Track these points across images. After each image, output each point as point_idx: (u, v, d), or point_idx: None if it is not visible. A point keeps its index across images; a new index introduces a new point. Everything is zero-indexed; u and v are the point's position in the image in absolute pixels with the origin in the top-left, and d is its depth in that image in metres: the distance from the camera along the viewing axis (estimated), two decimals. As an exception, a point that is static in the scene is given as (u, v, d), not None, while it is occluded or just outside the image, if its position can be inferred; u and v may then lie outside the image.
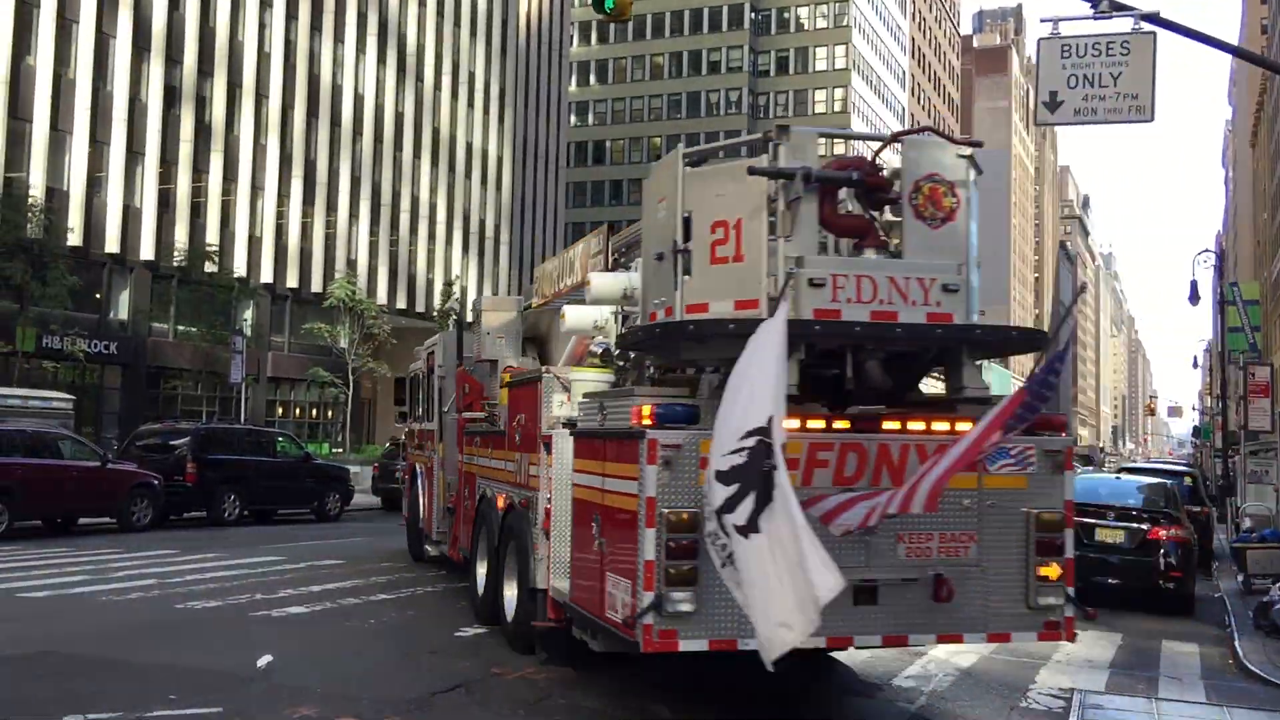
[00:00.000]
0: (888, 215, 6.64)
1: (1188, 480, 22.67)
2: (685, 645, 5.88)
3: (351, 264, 52.90)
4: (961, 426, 6.21)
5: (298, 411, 51.61)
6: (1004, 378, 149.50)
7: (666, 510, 5.76)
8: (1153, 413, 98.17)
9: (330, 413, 52.61)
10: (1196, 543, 16.17)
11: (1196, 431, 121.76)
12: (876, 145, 6.83)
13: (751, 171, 5.95)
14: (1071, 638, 6.81)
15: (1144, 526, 14.95)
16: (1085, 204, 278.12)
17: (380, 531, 23.78)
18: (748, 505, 4.27)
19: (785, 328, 4.68)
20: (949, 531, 6.32)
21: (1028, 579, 6.58)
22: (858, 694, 9.12)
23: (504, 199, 65.24)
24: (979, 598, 6.44)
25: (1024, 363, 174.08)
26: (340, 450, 47.36)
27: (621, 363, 7.86)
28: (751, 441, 4.26)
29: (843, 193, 6.43)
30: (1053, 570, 6.58)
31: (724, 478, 4.37)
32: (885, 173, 6.59)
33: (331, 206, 52.62)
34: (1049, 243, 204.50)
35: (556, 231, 71.61)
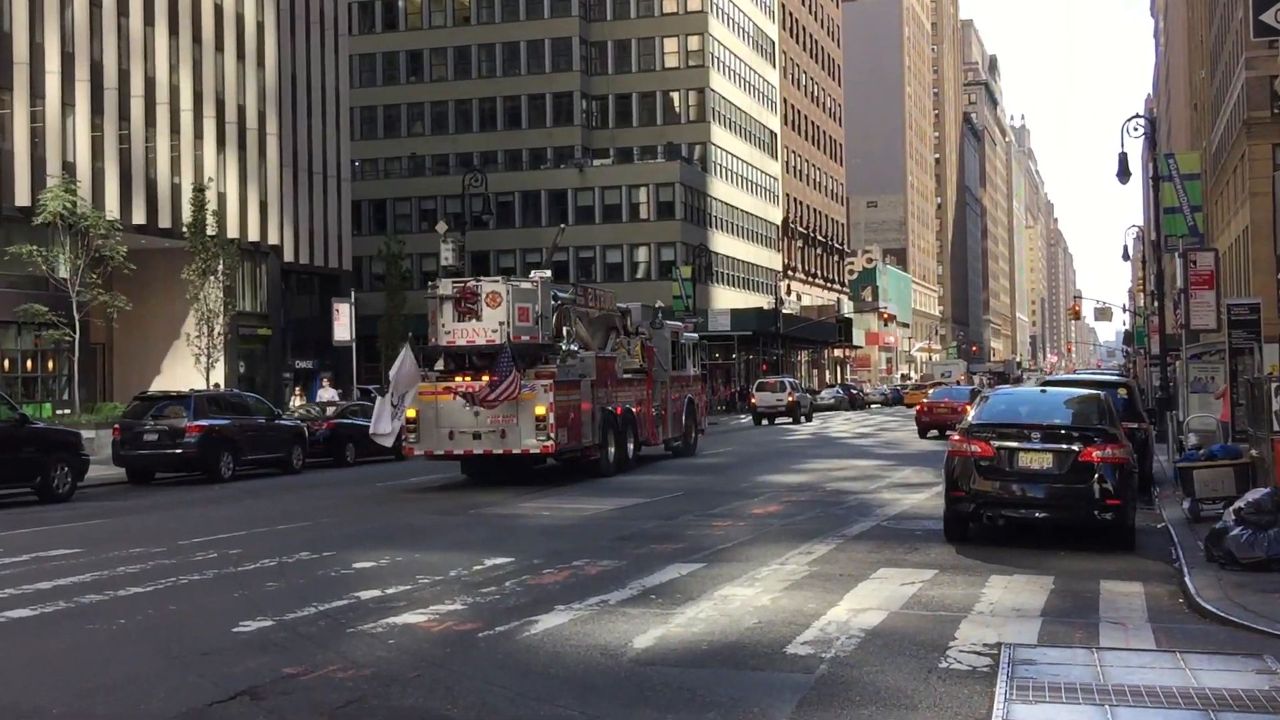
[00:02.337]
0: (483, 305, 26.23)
1: (1123, 392, 23.57)
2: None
3: (68, 167, 50.62)
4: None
5: (7, 364, 49.52)
6: (905, 280, 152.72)
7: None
8: (1077, 316, 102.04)
9: (52, 363, 50.62)
10: (1136, 464, 16.88)
11: (1128, 337, 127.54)
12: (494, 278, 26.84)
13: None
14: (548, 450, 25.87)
15: (1074, 448, 15.49)
16: (992, 66, 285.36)
17: (128, 510, 23.10)
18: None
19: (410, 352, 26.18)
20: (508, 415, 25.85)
21: (534, 426, 25.60)
22: (743, 667, 9.27)
23: (268, 78, 63.22)
24: (519, 440, 25.68)
25: (926, 271, 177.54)
26: (68, 411, 45.66)
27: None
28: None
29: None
30: (546, 418, 25.45)
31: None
32: (476, 288, 26.30)
33: (37, 93, 50.13)
34: (950, 114, 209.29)
35: (339, 119, 69.95)
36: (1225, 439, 21.26)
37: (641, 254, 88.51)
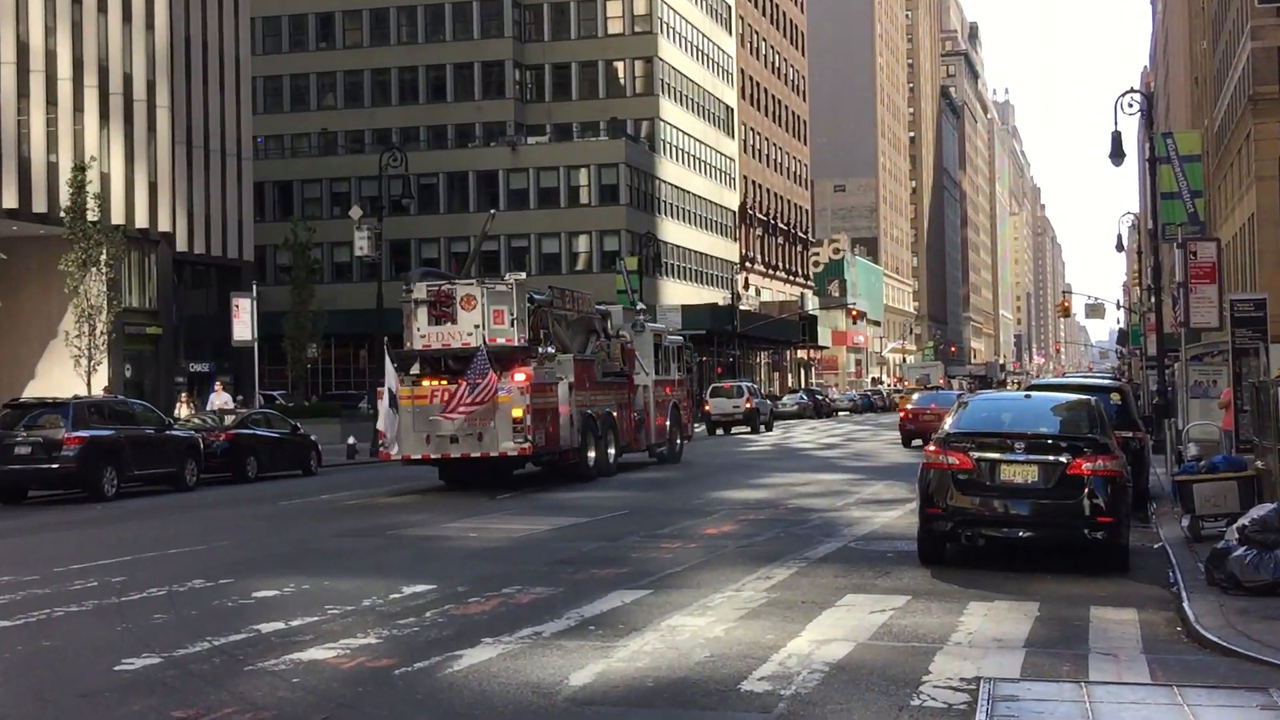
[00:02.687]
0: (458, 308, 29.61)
1: (1116, 397, 23.80)
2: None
3: (-71, 144, 49.94)
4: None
5: None
6: (876, 273, 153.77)
7: None
8: (1066, 313, 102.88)
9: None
10: (1130, 477, 17.06)
11: (1123, 336, 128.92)
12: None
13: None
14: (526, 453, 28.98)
15: (1062, 459, 15.63)
16: (972, 35, 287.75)
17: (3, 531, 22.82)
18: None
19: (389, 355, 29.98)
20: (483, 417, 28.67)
21: (511, 429, 28.49)
22: (693, 706, 9.28)
23: (158, 42, 62.66)
24: (496, 443, 28.62)
25: (900, 262, 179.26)
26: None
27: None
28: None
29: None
30: (523, 421, 28.38)
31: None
32: (451, 291, 29.73)
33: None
34: (926, 88, 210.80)
35: (240, 90, 69.46)
36: (1229, 449, 21.49)
37: (582, 243, 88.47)
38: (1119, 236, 74.89)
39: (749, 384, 71.11)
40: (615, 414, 33.69)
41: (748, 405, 63.80)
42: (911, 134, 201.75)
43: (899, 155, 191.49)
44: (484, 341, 28.57)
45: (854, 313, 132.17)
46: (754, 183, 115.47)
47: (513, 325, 29.21)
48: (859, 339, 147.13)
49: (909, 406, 50.05)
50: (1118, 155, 37.13)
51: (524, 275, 30.44)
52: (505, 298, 29.33)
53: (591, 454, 31.92)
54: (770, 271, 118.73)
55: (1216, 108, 72.42)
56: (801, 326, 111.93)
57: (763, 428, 64.55)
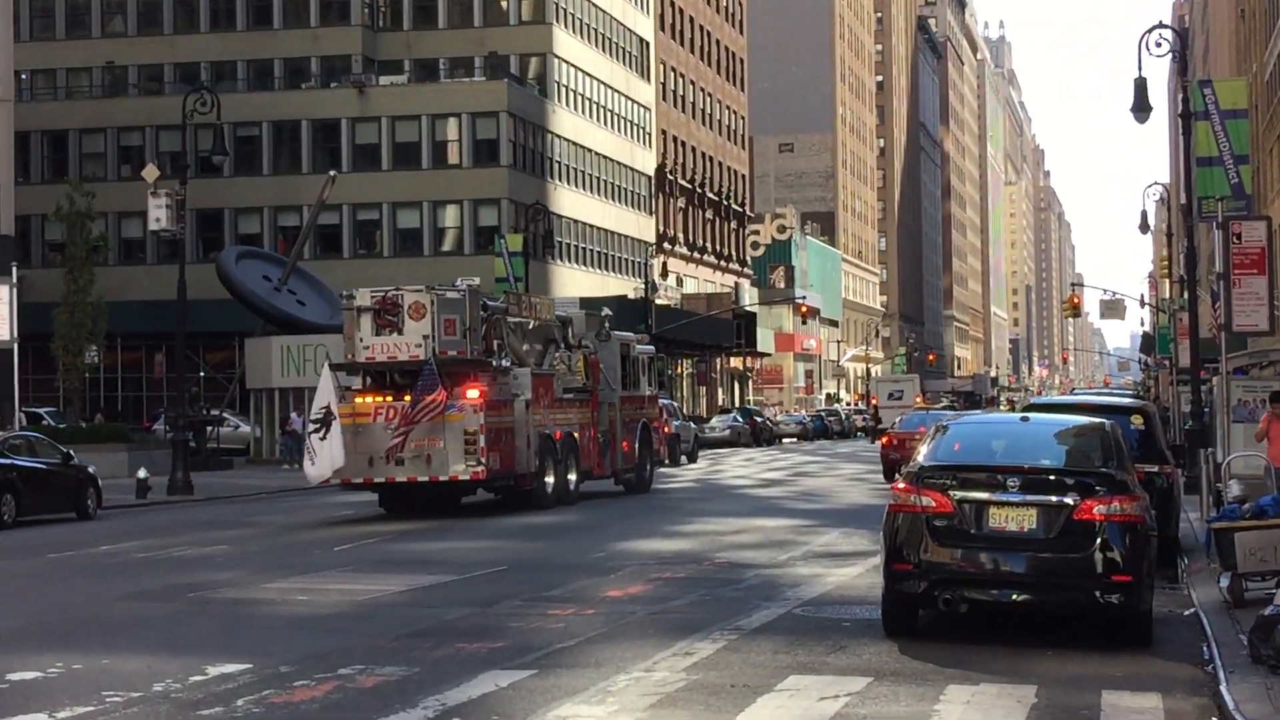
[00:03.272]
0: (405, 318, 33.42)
1: (1138, 421, 24.02)
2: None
3: None
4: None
5: None
6: (833, 258, 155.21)
7: None
8: (1076, 312, 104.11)
9: None
10: (1155, 524, 17.21)
11: (1148, 342, 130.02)
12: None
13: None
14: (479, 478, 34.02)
15: (1068, 500, 15.71)
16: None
17: None
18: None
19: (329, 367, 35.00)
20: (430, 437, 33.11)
21: (463, 450, 32.96)
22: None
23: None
24: (446, 465, 33.10)
25: (863, 245, 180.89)
26: None
27: None
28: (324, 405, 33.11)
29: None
30: (475, 441, 32.62)
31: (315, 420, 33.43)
32: (397, 298, 33.78)
33: None
34: (899, 20, 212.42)
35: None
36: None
37: (450, 215, 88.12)
38: (1143, 214, 75.96)
39: (667, 402, 71.15)
40: (577, 435, 37.71)
41: (665, 431, 63.75)
42: (879, 78, 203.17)
43: (863, 106, 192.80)
44: (433, 354, 32.57)
45: (804, 309, 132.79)
46: (675, 139, 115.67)
47: (465, 336, 33.47)
48: (810, 344, 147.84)
49: (892, 431, 50.65)
50: (1143, 108, 37.52)
51: (477, 280, 35.02)
52: (457, 305, 33.52)
53: (550, 479, 35.99)
54: (696, 255, 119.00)
55: (1268, 50, 73.46)
56: (736, 327, 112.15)
57: (684, 459, 64.57)
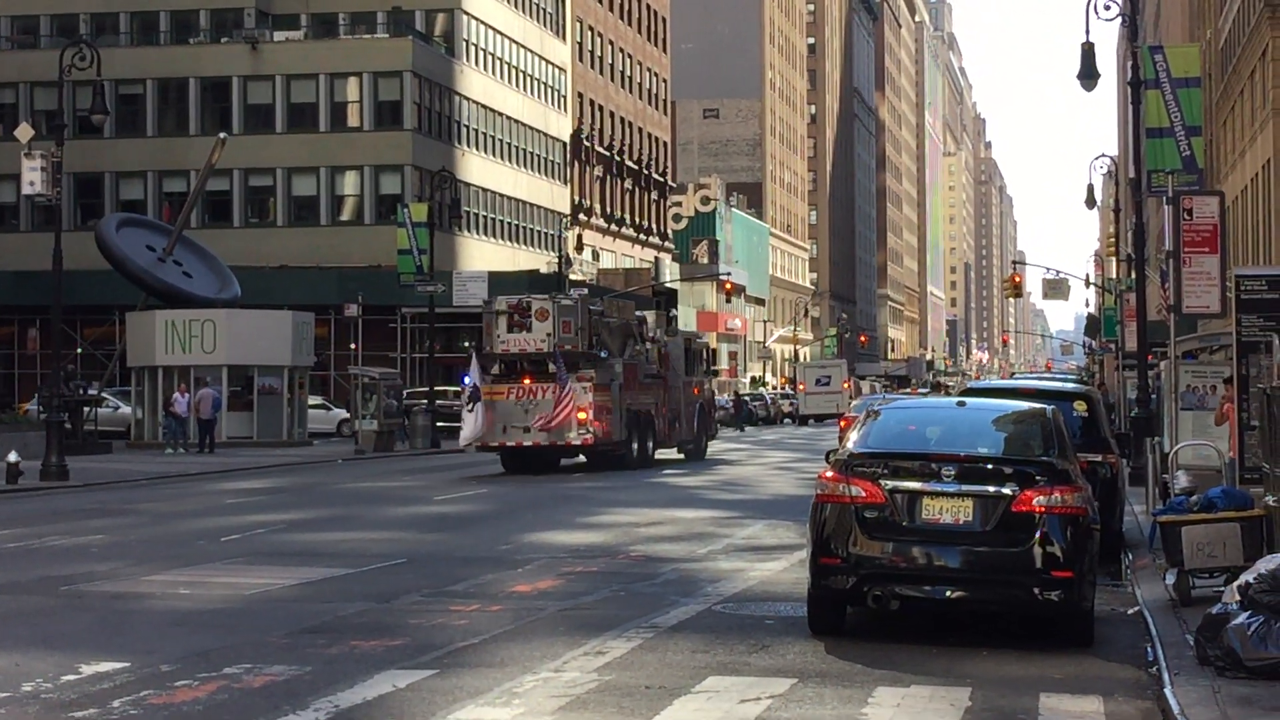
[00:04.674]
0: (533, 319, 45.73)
1: (1081, 407, 24.18)
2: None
3: None
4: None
5: None
6: (760, 232, 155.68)
7: None
8: (1018, 292, 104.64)
9: None
10: (1098, 517, 17.31)
11: (1092, 324, 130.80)
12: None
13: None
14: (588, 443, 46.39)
15: (1006, 491, 15.79)
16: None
17: None
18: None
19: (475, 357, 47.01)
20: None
21: (575, 422, 45.81)
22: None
23: None
24: (562, 433, 45.78)
25: (793, 218, 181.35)
26: None
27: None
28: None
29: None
30: (586, 415, 45.46)
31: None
32: (527, 303, 46.27)
33: None
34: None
35: None
36: (1231, 480, 21.93)
37: (349, 183, 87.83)
38: (1089, 188, 76.54)
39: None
40: (653, 411, 50.65)
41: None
42: (811, 40, 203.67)
43: (793, 70, 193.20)
44: (555, 348, 44.76)
45: (728, 286, 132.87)
46: (593, 103, 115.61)
47: (578, 334, 45.70)
48: (735, 323, 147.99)
49: (850, 413, 51.48)
50: (1090, 76, 37.75)
51: (587, 290, 49.79)
52: (572, 310, 46.03)
53: (635, 446, 48.73)
54: (614, 227, 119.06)
55: (1222, 15, 73.99)
56: (656, 304, 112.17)
57: (599, 445, 64.65)
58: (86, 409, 60.17)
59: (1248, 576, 14.55)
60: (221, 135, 68.56)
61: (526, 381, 45.34)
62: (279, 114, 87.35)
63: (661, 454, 52.14)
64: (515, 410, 45.18)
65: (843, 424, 53.42)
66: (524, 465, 46.93)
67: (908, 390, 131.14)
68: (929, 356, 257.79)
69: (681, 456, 54.20)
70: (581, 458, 49.07)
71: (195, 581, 21.32)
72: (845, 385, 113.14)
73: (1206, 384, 29.72)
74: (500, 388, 45.56)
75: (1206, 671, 13.93)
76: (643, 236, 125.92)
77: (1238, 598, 14.31)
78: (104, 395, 66.08)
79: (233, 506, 34.62)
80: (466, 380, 47.07)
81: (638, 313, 53.31)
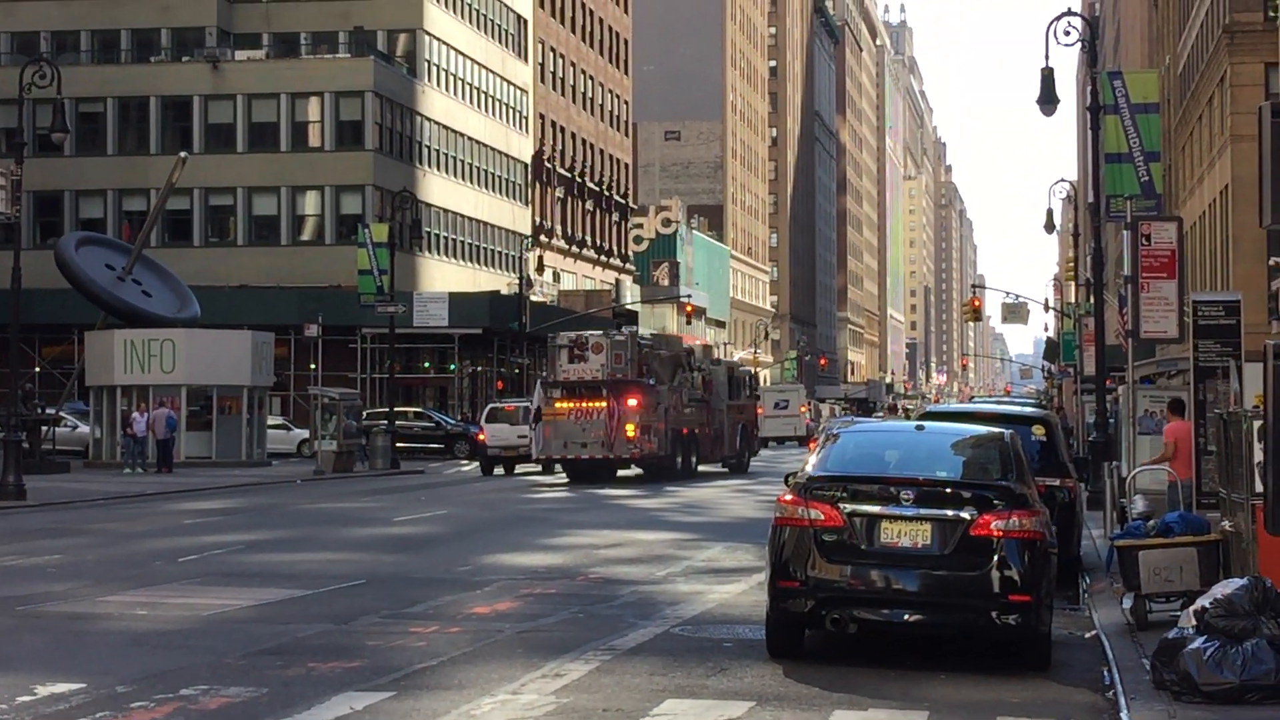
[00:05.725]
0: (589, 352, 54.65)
1: (1039, 431, 24.28)
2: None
3: None
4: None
5: None
6: (721, 255, 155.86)
7: None
8: (977, 316, 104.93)
9: None
10: (1055, 541, 17.38)
11: (1051, 349, 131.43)
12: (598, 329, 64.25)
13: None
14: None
15: (965, 515, 15.87)
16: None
17: None
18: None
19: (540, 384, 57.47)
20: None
21: (626, 439, 54.46)
22: None
23: None
24: (614, 449, 54.49)
25: (754, 241, 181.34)
26: None
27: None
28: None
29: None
30: (636, 433, 53.78)
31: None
32: (585, 339, 56.12)
33: None
34: (794, 6, 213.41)
35: None
36: (1189, 505, 22.04)
37: (310, 203, 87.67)
38: (1049, 213, 76.71)
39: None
40: (697, 431, 58.90)
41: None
42: (773, 63, 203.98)
43: (755, 93, 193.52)
44: (608, 376, 53.35)
45: (689, 308, 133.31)
46: (554, 125, 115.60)
47: (628, 365, 53.91)
48: (695, 345, 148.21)
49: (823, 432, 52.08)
50: (1049, 100, 37.89)
51: (636, 328, 57.58)
52: (623, 345, 54.69)
53: (680, 460, 56.91)
54: (575, 249, 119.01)
55: (1181, 41, 74.38)
56: (616, 326, 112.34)
57: (558, 467, 64.48)
58: (45, 428, 59.99)
59: (1204, 601, 14.64)
60: (182, 154, 68.37)
61: (584, 404, 53.24)
62: (240, 133, 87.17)
63: (706, 468, 59.61)
64: (574, 429, 53.28)
65: (812, 444, 53.95)
66: (584, 476, 54.64)
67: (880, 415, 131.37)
68: (889, 379, 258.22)
69: (725, 470, 61.89)
70: (636, 469, 56.64)
71: (152, 602, 21.23)
72: (803, 409, 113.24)
73: (1163, 409, 29.87)
74: (562, 409, 53.58)
75: (1162, 696, 14.00)
76: (604, 258, 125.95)
77: (1194, 622, 14.40)
78: (62, 414, 65.85)
79: (191, 527, 34.52)
80: (531, 403, 55.84)
81: (686, 346, 63.81)
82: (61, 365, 74.47)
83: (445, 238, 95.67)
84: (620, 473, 56.20)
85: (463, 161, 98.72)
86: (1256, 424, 17.02)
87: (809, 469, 16.94)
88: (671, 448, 55.87)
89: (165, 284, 67.86)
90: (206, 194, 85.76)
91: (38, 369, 74.91)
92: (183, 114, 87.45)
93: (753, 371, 75.31)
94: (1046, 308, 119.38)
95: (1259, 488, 16.67)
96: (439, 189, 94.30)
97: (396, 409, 69.28)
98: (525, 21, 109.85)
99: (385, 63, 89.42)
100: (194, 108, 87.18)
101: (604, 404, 53.12)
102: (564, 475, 62.30)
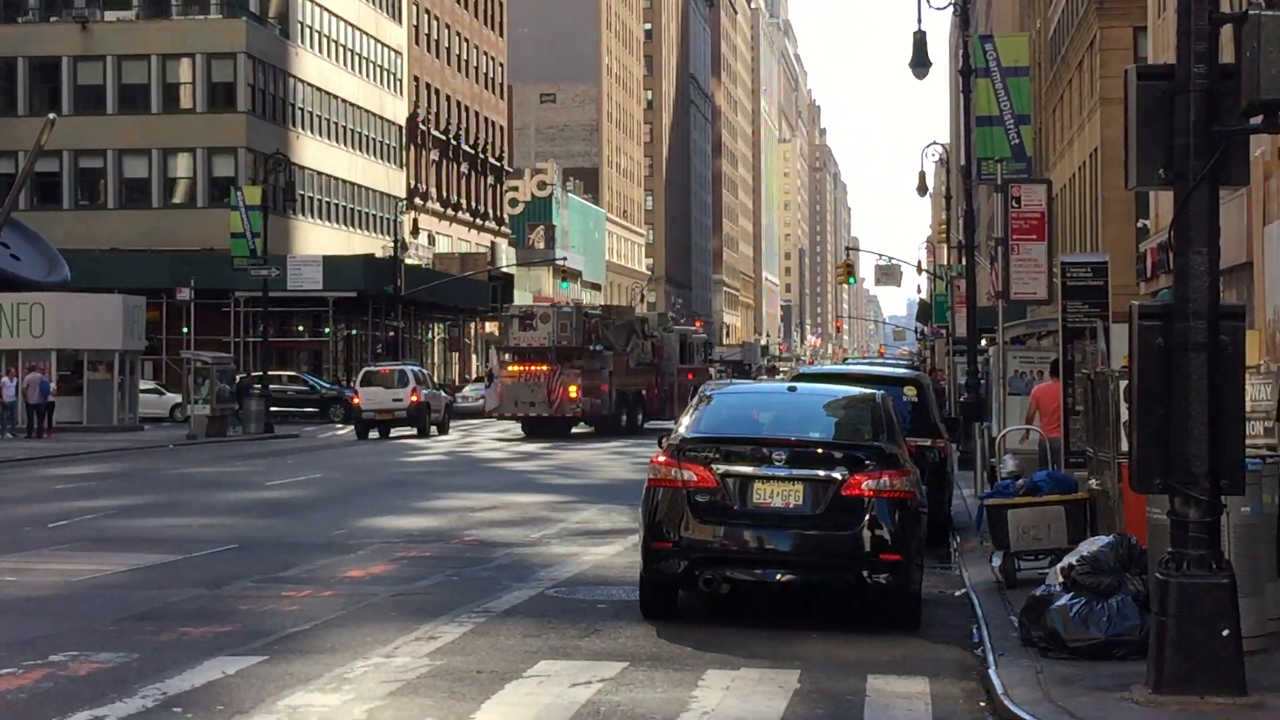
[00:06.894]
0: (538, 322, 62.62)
1: (911, 392, 24.52)
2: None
3: None
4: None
5: None
6: (597, 217, 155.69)
7: None
8: (849, 277, 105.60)
9: None
10: (926, 501, 17.55)
11: (924, 310, 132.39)
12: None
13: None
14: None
15: (836, 475, 15.99)
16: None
17: None
18: None
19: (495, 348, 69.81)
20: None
21: (570, 399, 61.16)
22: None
23: None
24: (560, 408, 61.01)
25: (629, 204, 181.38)
26: None
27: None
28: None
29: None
30: (578, 394, 60.29)
31: None
32: (534, 310, 66.35)
33: None
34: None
35: None
36: (1057, 464, 22.28)
37: (182, 165, 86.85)
38: (921, 175, 77.28)
39: (416, 369, 70.78)
40: (644, 392, 66.02)
41: (413, 399, 63.40)
42: (648, 25, 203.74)
43: (630, 55, 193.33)
44: (555, 343, 59.39)
45: (565, 271, 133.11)
46: (429, 87, 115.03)
47: (574, 333, 60.04)
48: (651, 314, 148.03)
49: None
50: (922, 64, 38.20)
51: (583, 299, 69.52)
52: (568, 315, 61.28)
53: (624, 418, 63.45)
54: (450, 212, 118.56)
55: (1052, 5, 74.95)
56: (492, 289, 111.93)
57: (434, 429, 64.39)
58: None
59: (1071, 559, 14.85)
60: (51, 116, 67.40)
61: (532, 368, 59.49)
62: (110, 95, 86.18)
63: (655, 424, 60.77)
64: (524, 390, 59.52)
65: None
66: (537, 431, 60.58)
67: (751, 378, 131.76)
68: (764, 342, 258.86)
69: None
70: (586, 426, 62.82)
71: (21, 568, 20.98)
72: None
73: (1034, 369, 30.19)
74: (514, 372, 60.24)
75: (1030, 652, 14.21)
76: (479, 221, 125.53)
77: (1061, 579, 14.61)
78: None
79: (61, 492, 34.15)
80: (487, 367, 62.62)
81: (639, 315, 72.37)
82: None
83: (319, 200, 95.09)
84: (574, 430, 62.34)
85: (336, 124, 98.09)
86: (1123, 384, 17.21)
87: (682, 430, 17.02)
88: (616, 407, 62.09)
89: (34, 247, 67.04)
90: (76, 156, 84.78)
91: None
92: (51, 75, 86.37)
93: (707, 338, 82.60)
94: (919, 270, 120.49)
95: (1125, 447, 16.87)
96: (312, 151, 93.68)
97: (270, 373, 68.81)
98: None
99: (258, 24, 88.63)
100: (63, 69, 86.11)
101: (550, 368, 58.93)
102: (430, 437, 63.13)
